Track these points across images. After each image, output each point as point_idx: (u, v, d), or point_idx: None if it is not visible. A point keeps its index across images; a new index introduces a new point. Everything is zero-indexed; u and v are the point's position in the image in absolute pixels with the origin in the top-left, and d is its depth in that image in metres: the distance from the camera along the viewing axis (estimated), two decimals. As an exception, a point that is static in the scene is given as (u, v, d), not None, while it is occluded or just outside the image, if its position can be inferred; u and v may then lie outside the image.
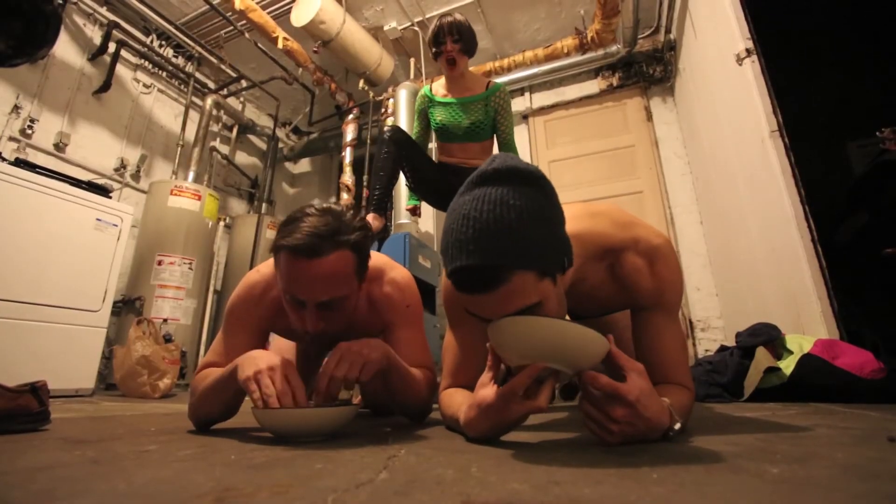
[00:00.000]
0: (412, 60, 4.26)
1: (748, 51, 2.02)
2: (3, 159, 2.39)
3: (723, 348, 1.86)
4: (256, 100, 4.92)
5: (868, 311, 1.97)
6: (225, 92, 4.37)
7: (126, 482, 0.47)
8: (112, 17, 3.58)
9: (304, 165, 5.61)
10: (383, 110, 4.38)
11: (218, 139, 4.55)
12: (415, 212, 2.34)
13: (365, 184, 4.23)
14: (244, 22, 3.67)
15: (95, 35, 3.51)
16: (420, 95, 2.11)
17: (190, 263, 3.34)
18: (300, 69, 4.17)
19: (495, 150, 2.18)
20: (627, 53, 3.75)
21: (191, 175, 3.72)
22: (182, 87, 4.15)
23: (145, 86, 3.87)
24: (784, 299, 1.94)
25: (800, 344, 1.54)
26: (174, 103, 4.11)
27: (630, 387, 0.61)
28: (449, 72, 1.96)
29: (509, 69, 4.10)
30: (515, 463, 0.55)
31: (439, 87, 2.06)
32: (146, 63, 3.86)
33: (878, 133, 2.05)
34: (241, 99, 4.78)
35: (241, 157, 4.86)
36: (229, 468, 0.53)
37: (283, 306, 1.02)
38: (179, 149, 3.84)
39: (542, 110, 4.26)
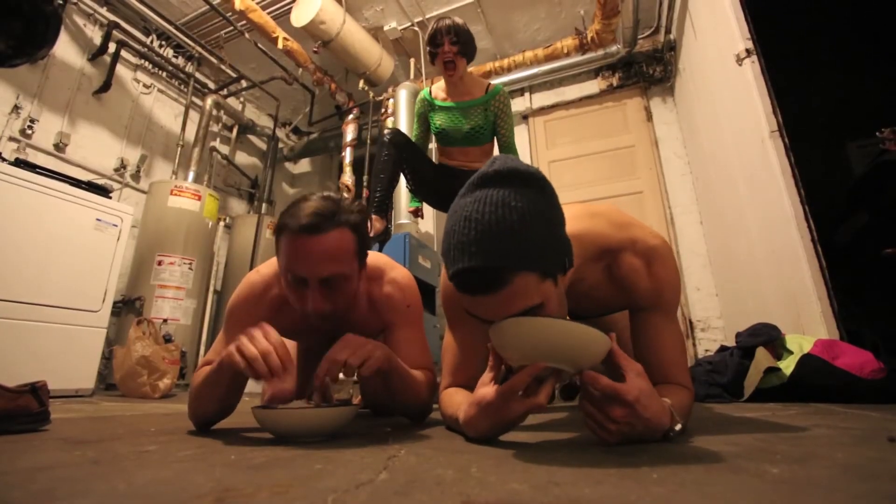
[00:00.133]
0: (412, 60, 4.26)
1: (748, 51, 2.02)
2: (3, 159, 2.39)
3: (723, 348, 1.86)
4: (256, 100, 4.92)
5: (868, 312, 1.97)
6: (225, 92, 4.37)
7: (126, 482, 0.47)
8: (112, 17, 3.58)
9: (304, 165, 5.61)
10: (383, 110, 4.38)
11: (218, 139, 4.55)
12: (417, 213, 2.34)
13: (365, 184, 4.23)
14: (244, 22, 3.67)
15: (95, 35, 3.51)
16: (420, 99, 2.10)
17: (190, 263, 3.34)
18: (300, 69, 4.17)
19: (495, 152, 2.18)
20: (627, 54, 3.75)
21: (191, 175, 3.72)
22: (182, 87, 4.15)
23: (145, 86, 3.87)
24: (784, 299, 1.94)
25: (800, 344, 1.55)
26: (174, 103, 4.11)
27: (629, 387, 0.61)
28: (448, 76, 1.95)
29: (509, 69, 4.10)
30: (515, 463, 0.55)
31: (439, 91, 2.05)
32: (146, 63, 3.86)
33: (877, 133, 2.05)
34: (241, 99, 4.78)
35: (241, 158, 4.86)
36: (229, 468, 0.53)
37: (284, 306, 1.02)
38: (179, 149, 3.84)
39: (542, 110, 4.26)
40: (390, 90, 4.29)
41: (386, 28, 4.00)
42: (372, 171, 1.95)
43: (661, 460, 0.54)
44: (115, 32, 3.52)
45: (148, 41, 3.86)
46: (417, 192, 2.14)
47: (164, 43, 3.99)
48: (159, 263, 3.22)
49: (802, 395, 1.43)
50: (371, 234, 1.81)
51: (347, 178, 4.41)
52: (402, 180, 2.07)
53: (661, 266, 0.82)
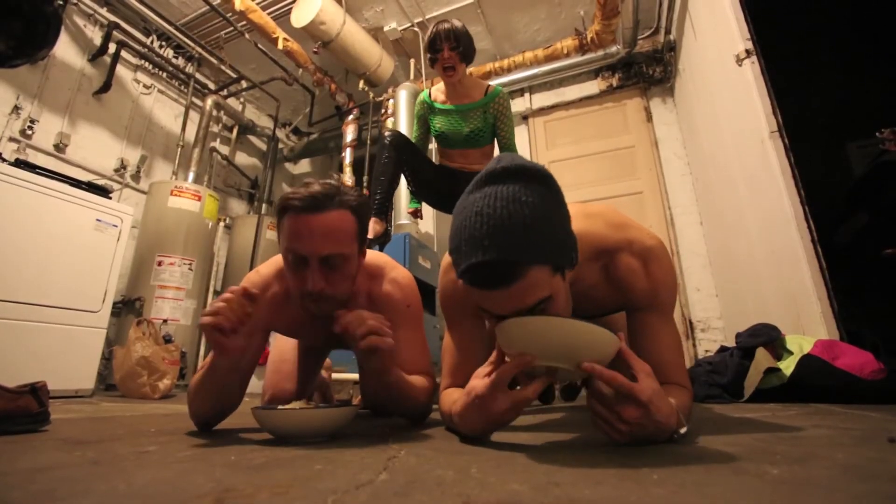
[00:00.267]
0: (412, 61, 4.26)
1: (748, 51, 2.02)
2: (4, 160, 2.39)
3: (723, 349, 1.86)
4: (256, 100, 4.92)
5: (868, 312, 1.97)
6: (225, 92, 4.37)
7: (126, 483, 0.47)
8: (112, 17, 3.59)
9: (304, 166, 5.61)
10: (383, 111, 4.38)
11: (218, 140, 4.55)
12: (416, 214, 2.34)
13: (365, 184, 4.23)
14: (244, 23, 3.67)
15: (96, 36, 3.51)
16: (419, 101, 2.10)
17: (190, 264, 3.34)
18: (300, 70, 4.17)
19: (496, 153, 2.18)
20: (627, 54, 3.75)
21: (191, 175, 3.73)
22: (182, 87, 4.16)
23: (145, 86, 3.87)
24: (784, 300, 1.94)
25: (800, 344, 1.54)
26: (174, 104, 4.11)
27: (643, 387, 0.60)
28: (447, 78, 1.95)
29: (509, 70, 4.10)
30: (515, 464, 0.55)
31: (438, 93, 2.05)
32: (146, 64, 3.87)
33: (877, 134, 2.05)
34: (242, 99, 4.78)
35: (241, 158, 4.86)
36: (229, 469, 0.53)
37: (284, 305, 1.02)
38: (179, 149, 3.84)
39: (542, 111, 4.27)
40: (390, 91, 4.30)
41: (386, 29, 4.00)
42: (372, 174, 1.95)
43: (662, 461, 0.54)
44: (115, 33, 3.52)
45: (148, 42, 3.86)
46: (418, 194, 2.14)
47: (164, 43, 3.99)
48: (159, 264, 3.22)
49: (802, 396, 1.43)
50: (371, 237, 1.81)
51: (347, 178, 4.41)
52: (403, 181, 2.07)
53: (658, 266, 0.83)
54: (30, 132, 3.02)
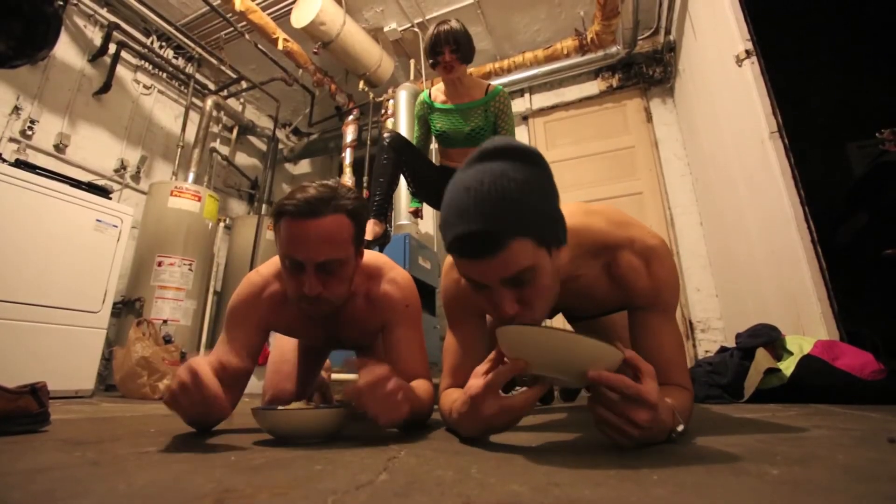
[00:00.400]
0: (412, 62, 4.27)
1: (748, 52, 2.02)
2: (4, 160, 2.39)
3: (723, 349, 1.86)
4: (256, 101, 4.92)
5: (868, 312, 1.97)
6: (225, 93, 4.37)
7: (126, 483, 0.47)
8: (112, 18, 3.59)
9: (304, 166, 5.61)
10: (383, 111, 4.38)
11: (218, 140, 4.55)
12: (417, 214, 2.34)
13: (365, 185, 4.24)
14: (244, 23, 3.67)
15: (96, 36, 3.51)
16: (419, 101, 2.11)
17: (190, 264, 3.34)
18: (300, 70, 4.17)
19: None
20: (627, 55, 3.75)
21: (191, 176, 3.73)
22: (182, 88, 4.16)
23: (145, 87, 3.87)
24: (784, 300, 1.94)
25: (800, 345, 1.54)
26: (174, 104, 4.11)
27: (650, 388, 0.60)
28: (446, 76, 1.95)
29: (509, 70, 4.10)
30: (515, 464, 0.55)
31: (438, 93, 2.06)
32: (146, 64, 3.87)
33: (877, 134, 2.05)
34: (242, 100, 4.79)
35: (241, 158, 4.87)
36: (229, 469, 0.53)
37: (284, 305, 1.02)
38: (179, 150, 3.84)
39: (542, 111, 4.27)
40: (390, 91, 4.30)
41: (386, 29, 4.01)
42: (371, 175, 1.95)
43: (662, 462, 0.54)
44: (115, 33, 3.52)
45: (148, 42, 3.87)
46: (418, 194, 2.14)
47: (164, 44, 3.99)
48: (159, 264, 3.22)
49: (803, 396, 1.43)
50: (370, 238, 1.81)
51: (347, 179, 4.41)
52: (403, 182, 2.07)
53: (660, 266, 0.83)
54: (30, 132, 3.02)
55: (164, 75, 4.02)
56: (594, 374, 0.59)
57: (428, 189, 2.07)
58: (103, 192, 2.64)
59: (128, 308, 3.10)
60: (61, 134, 3.18)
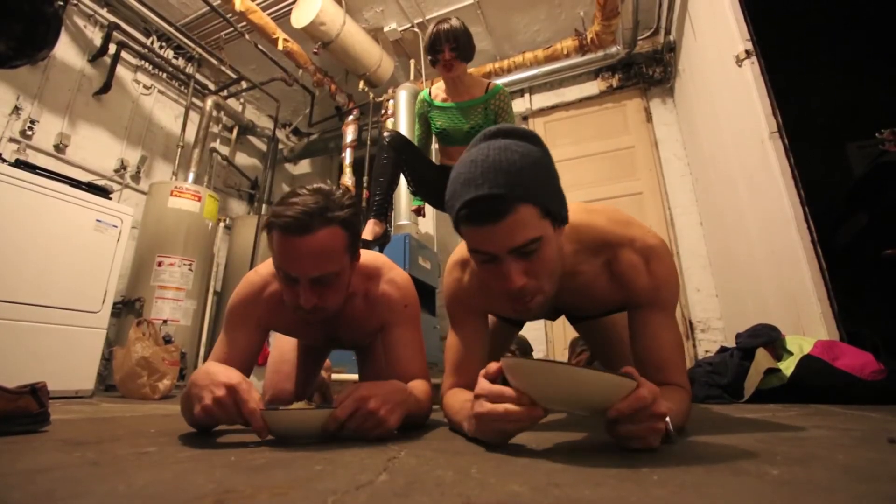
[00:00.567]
0: (412, 62, 4.27)
1: (748, 52, 2.02)
2: (4, 160, 2.39)
3: (723, 349, 1.86)
4: (256, 101, 4.92)
5: (868, 312, 1.97)
6: (225, 93, 4.37)
7: (126, 484, 0.47)
8: (112, 18, 3.59)
9: (304, 167, 5.61)
10: (383, 111, 4.38)
11: (218, 140, 4.55)
12: (419, 212, 2.35)
13: (365, 185, 4.23)
14: (244, 23, 3.67)
15: (96, 36, 3.51)
16: (419, 100, 2.11)
17: (190, 265, 3.34)
18: (300, 70, 4.17)
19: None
20: (627, 55, 3.75)
21: (191, 176, 3.73)
22: (182, 88, 4.16)
23: (145, 87, 3.87)
24: (784, 300, 1.94)
25: (800, 345, 1.54)
26: (174, 104, 4.11)
27: (657, 396, 0.59)
28: (446, 74, 1.95)
29: (509, 70, 4.10)
30: (515, 465, 0.55)
31: (439, 91, 2.06)
32: (146, 64, 3.87)
33: (877, 134, 2.05)
34: (242, 100, 4.79)
35: (241, 159, 4.87)
36: (229, 470, 0.53)
37: (283, 304, 1.02)
38: (179, 150, 3.84)
39: (542, 111, 4.27)
40: (390, 91, 4.30)
41: (386, 29, 4.01)
42: (371, 175, 1.94)
43: (662, 462, 0.54)
44: (115, 33, 3.52)
45: (148, 42, 3.87)
46: (418, 193, 2.13)
47: (164, 44, 3.99)
48: (159, 264, 3.22)
49: (803, 397, 1.43)
50: (370, 238, 1.81)
51: (347, 179, 4.41)
52: (403, 181, 2.06)
53: (660, 264, 0.83)
54: (30, 133, 3.02)
55: (164, 75, 4.02)
56: (615, 414, 0.57)
57: (428, 188, 2.07)
58: (103, 192, 2.64)
59: (128, 308, 3.10)
60: (61, 134, 3.18)
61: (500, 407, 0.62)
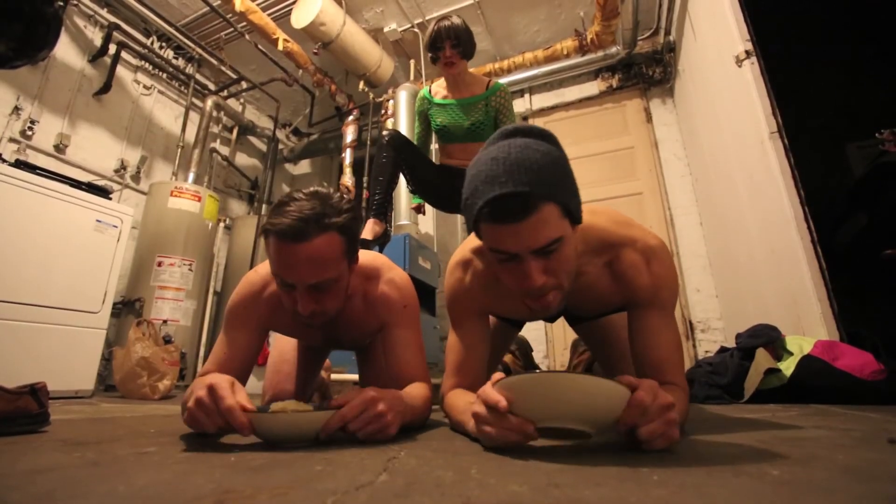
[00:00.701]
0: (412, 62, 4.27)
1: (748, 52, 2.02)
2: (4, 161, 2.39)
3: (723, 350, 1.86)
4: (256, 101, 4.92)
5: (868, 313, 1.97)
6: (225, 93, 4.37)
7: (126, 484, 0.47)
8: (112, 18, 3.59)
9: (304, 167, 5.62)
10: (383, 112, 4.38)
11: (218, 140, 4.55)
12: (419, 210, 2.35)
13: (365, 185, 4.23)
14: (244, 24, 3.67)
15: (96, 37, 3.51)
16: (419, 97, 2.11)
17: (190, 265, 3.34)
18: (300, 71, 4.17)
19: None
20: (627, 55, 3.75)
21: (191, 176, 3.73)
22: (182, 88, 4.16)
23: (146, 87, 3.87)
24: (784, 301, 1.94)
25: (800, 345, 1.54)
26: (174, 105, 4.11)
27: (662, 394, 0.59)
28: (447, 72, 1.95)
29: (509, 71, 4.10)
30: (515, 465, 0.55)
31: (439, 89, 2.06)
32: (146, 64, 3.87)
33: (877, 134, 2.05)
34: (242, 100, 4.79)
35: (241, 159, 4.87)
36: (229, 470, 0.53)
37: (283, 305, 1.02)
38: (179, 150, 3.84)
39: (542, 112, 4.27)
40: (390, 91, 4.30)
41: (386, 30, 4.01)
42: (371, 174, 1.94)
43: (662, 462, 0.54)
44: (115, 34, 3.52)
45: (148, 42, 3.87)
46: (417, 192, 2.13)
47: (164, 44, 3.99)
48: (159, 264, 3.22)
49: (803, 397, 1.43)
50: (370, 237, 1.81)
51: (347, 179, 4.41)
52: (403, 181, 2.06)
53: (660, 264, 0.84)
54: (30, 133, 3.02)
55: (165, 76, 4.02)
56: (626, 423, 0.57)
57: (427, 187, 2.07)
58: (103, 192, 2.64)
59: (128, 308, 3.10)
60: (61, 134, 3.18)
61: (489, 428, 0.62)
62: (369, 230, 1.82)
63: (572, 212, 0.70)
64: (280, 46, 3.74)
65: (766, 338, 1.64)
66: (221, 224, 4.11)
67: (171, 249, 3.28)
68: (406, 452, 0.65)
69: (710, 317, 3.25)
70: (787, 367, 1.49)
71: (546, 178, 0.65)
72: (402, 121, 3.79)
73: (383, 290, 1.05)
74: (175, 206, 3.37)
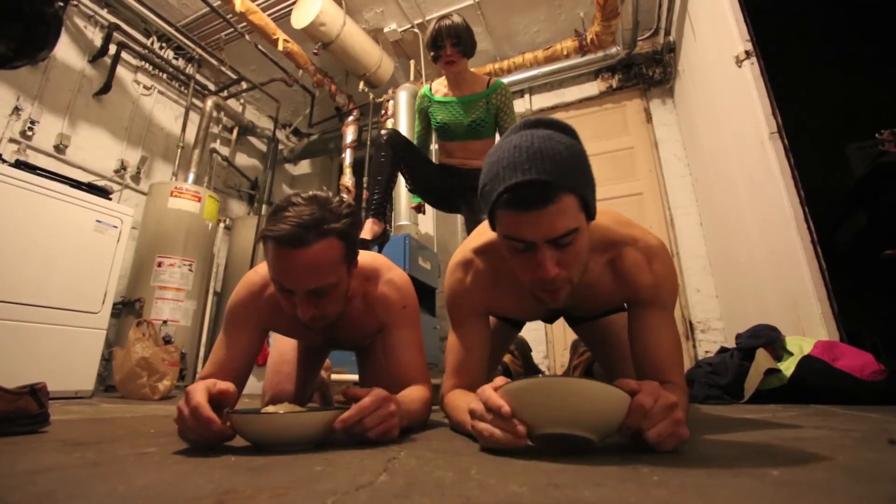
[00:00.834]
0: (412, 62, 4.27)
1: (747, 52, 2.02)
2: (4, 161, 2.39)
3: (723, 350, 1.86)
4: (256, 101, 4.93)
5: (868, 313, 1.97)
6: (225, 94, 4.37)
7: (126, 484, 0.47)
8: (113, 19, 3.59)
9: (304, 167, 5.62)
10: (383, 112, 4.39)
11: (218, 141, 4.55)
12: (419, 209, 2.35)
13: (365, 185, 4.23)
14: (244, 24, 3.68)
15: (96, 37, 3.51)
16: (420, 95, 2.11)
17: (190, 265, 3.34)
18: (300, 71, 4.17)
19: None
20: (627, 55, 3.75)
21: (191, 177, 3.73)
22: (182, 88, 4.16)
23: (146, 87, 3.87)
24: (784, 301, 1.94)
25: (800, 345, 1.55)
26: (174, 105, 4.11)
27: (664, 394, 0.59)
28: (448, 70, 1.95)
29: (509, 71, 4.10)
30: (515, 465, 0.55)
31: (439, 87, 2.06)
32: (147, 65, 3.87)
33: (877, 135, 2.06)
34: (242, 101, 4.79)
35: (241, 159, 4.87)
36: (229, 470, 0.53)
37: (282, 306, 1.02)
38: (179, 150, 3.84)
39: (542, 112, 4.26)
40: (390, 92, 4.30)
41: (386, 30, 4.01)
42: (370, 174, 1.95)
43: (662, 462, 0.54)
44: (115, 34, 3.52)
45: (148, 43, 3.87)
46: (416, 191, 2.13)
47: (164, 45, 4.00)
48: (159, 265, 3.22)
49: (803, 397, 1.43)
50: (369, 237, 1.81)
51: (347, 179, 4.42)
52: (402, 181, 2.06)
53: (661, 264, 0.85)
54: (30, 133, 3.02)
55: (165, 76, 4.02)
56: (629, 428, 0.58)
57: (426, 187, 2.07)
58: (103, 192, 2.64)
59: (128, 309, 3.10)
60: (61, 135, 3.18)
61: (487, 429, 0.62)
62: (368, 230, 1.82)
63: (589, 206, 0.71)
64: (280, 47, 3.74)
65: (766, 338, 1.64)
66: (221, 224, 4.11)
67: (171, 250, 3.28)
68: (406, 453, 0.65)
69: (710, 317, 3.25)
70: (788, 367, 1.49)
71: (568, 170, 0.66)
72: (402, 121, 3.79)
73: (383, 291, 1.05)
74: (175, 206, 3.37)
